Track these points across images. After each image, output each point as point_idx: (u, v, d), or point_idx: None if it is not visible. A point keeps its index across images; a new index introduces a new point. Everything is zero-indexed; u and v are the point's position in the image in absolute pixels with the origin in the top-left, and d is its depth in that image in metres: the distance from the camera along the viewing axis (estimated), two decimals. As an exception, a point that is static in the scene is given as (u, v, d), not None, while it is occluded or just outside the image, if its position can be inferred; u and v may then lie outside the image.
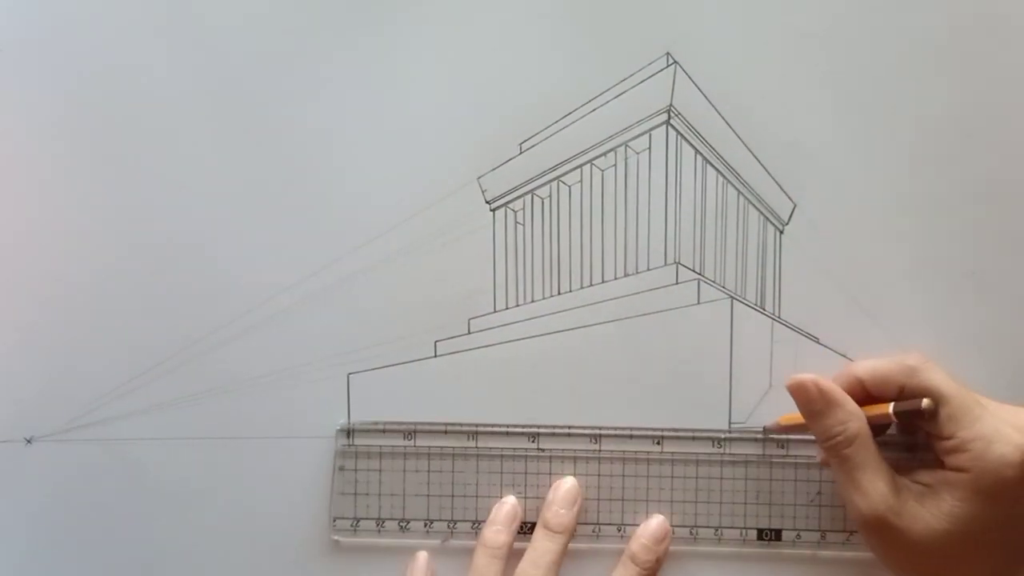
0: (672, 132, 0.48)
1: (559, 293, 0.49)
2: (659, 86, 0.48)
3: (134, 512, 0.49)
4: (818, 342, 0.48)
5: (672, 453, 0.48)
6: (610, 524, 0.48)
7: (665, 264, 0.48)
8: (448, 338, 0.49)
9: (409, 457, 0.49)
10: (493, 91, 0.48)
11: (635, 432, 0.48)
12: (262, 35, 0.48)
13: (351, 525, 0.49)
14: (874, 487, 0.42)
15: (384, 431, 0.48)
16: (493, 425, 0.48)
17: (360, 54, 0.48)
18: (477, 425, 0.48)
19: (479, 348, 0.49)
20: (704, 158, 0.48)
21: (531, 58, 0.48)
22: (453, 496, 0.49)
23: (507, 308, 0.49)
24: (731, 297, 0.48)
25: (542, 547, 0.47)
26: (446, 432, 0.48)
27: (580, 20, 0.48)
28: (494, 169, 0.48)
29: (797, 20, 0.47)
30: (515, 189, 0.49)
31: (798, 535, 0.48)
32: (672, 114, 0.48)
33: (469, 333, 0.49)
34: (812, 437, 0.45)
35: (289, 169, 0.49)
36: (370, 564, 0.49)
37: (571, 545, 0.47)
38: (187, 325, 0.49)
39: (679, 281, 0.48)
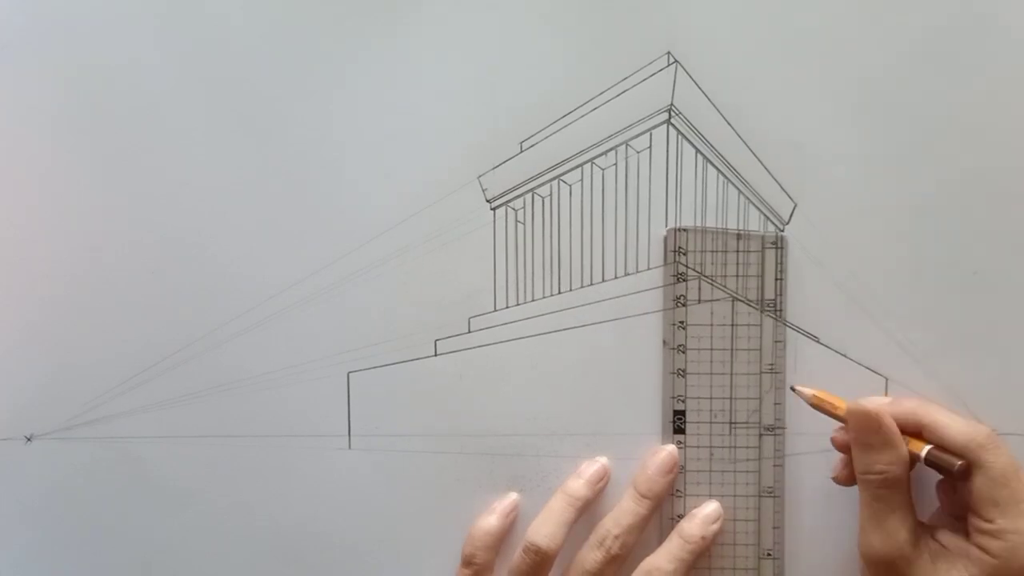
0: (673, 131, 0.48)
1: (559, 292, 0.49)
2: (660, 85, 0.48)
3: (134, 510, 0.50)
4: (818, 341, 0.48)
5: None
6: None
7: (665, 263, 0.48)
8: (448, 337, 0.49)
9: None
10: (494, 90, 0.48)
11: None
12: (263, 35, 0.48)
13: None
14: (897, 532, 0.43)
15: None
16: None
17: (360, 53, 0.48)
18: None
19: (479, 347, 0.49)
20: (704, 157, 0.48)
21: (532, 57, 0.48)
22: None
23: (507, 307, 0.49)
24: (731, 296, 0.48)
25: (627, 507, 0.47)
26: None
27: (581, 19, 0.47)
28: (495, 168, 0.48)
29: (798, 20, 0.47)
30: (515, 188, 0.49)
31: None
32: (673, 113, 0.48)
33: (469, 332, 0.49)
34: (829, 419, 0.45)
35: (289, 168, 0.48)
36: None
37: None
38: (187, 324, 0.49)
39: (679, 280, 0.48)
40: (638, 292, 0.48)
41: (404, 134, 0.48)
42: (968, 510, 0.43)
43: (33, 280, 0.49)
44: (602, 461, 0.48)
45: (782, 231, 0.48)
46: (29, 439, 0.49)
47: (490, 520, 0.48)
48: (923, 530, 0.44)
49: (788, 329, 0.48)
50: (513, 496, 0.49)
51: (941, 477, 0.45)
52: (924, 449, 0.43)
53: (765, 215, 0.48)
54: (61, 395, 0.49)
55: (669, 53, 0.47)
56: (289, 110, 0.48)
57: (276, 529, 0.49)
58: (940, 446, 0.43)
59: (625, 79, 0.48)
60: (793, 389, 0.47)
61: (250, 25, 0.48)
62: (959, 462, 0.42)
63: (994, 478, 0.42)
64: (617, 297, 0.49)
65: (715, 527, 0.48)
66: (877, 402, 0.44)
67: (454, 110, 0.48)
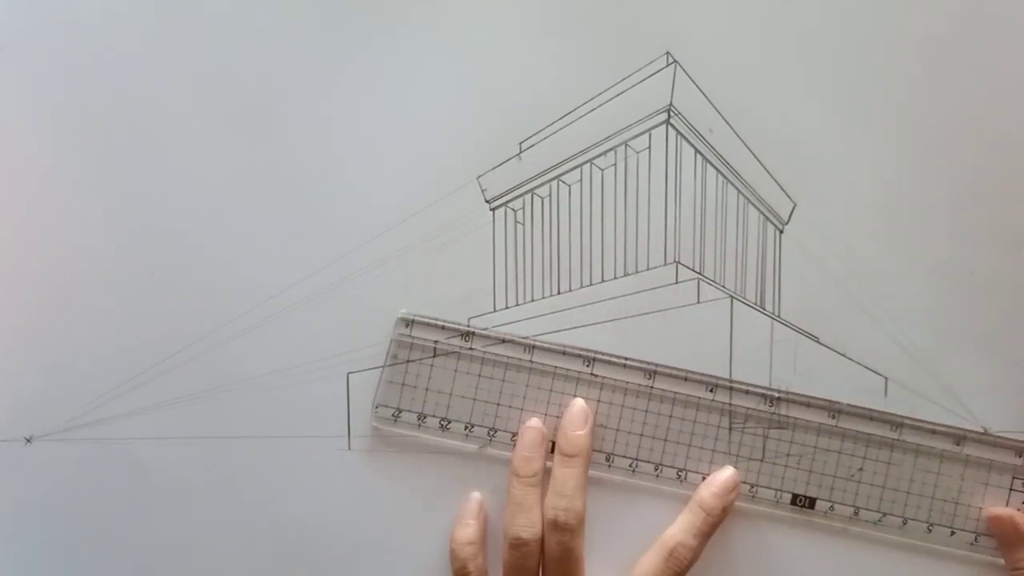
0: (672, 131, 0.48)
1: (559, 292, 0.49)
2: (659, 85, 0.48)
3: (134, 511, 0.49)
4: (818, 341, 0.48)
5: (723, 403, 0.48)
6: (648, 462, 0.48)
7: (665, 263, 0.48)
8: (448, 337, 0.49)
9: (463, 359, 0.48)
10: (493, 91, 0.48)
11: (690, 375, 0.48)
12: (262, 36, 0.48)
13: (392, 415, 0.49)
14: None
15: (444, 327, 0.48)
16: (551, 343, 0.48)
17: (360, 54, 0.48)
18: (536, 338, 0.48)
19: (469, 355, 0.49)
20: (704, 157, 0.48)
21: (531, 57, 0.48)
22: (499, 404, 0.48)
23: (507, 307, 0.49)
24: (731, 296, 0.48)
25: (561, 475, 0.47)
26: (503, 341, 0.48)
27: (580, 19, 0.47)
28: (494, 168, 0.48)
29: (797, 20, 0.47)
30: (515, 188, 0.49)
31: (832, 507, 0.48)
32: (672, 113, 0.48)
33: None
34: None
35: (289, 169, 0.49)
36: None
37: (613, 476, 0.48)
38: (187, 324, 0.49)
39: (679, 280, 0.48)
40: (638, 292, 0.48)
41: (403, 135, 0.48)
42: None
43: (33, 280, 0.49)
44: (535, 424, 0.48)
45: (782, 231, 0.48)
46: (29, 440, 0.49)
47: (468, 531, 0.48)
48: None
49: (788, 329, 0.48)
50: (476, 496, 0.49)
51: None
52: None
53: (764, 215, 0.48)
54: (61, 396, 0.49)
55: (668, 53, 0.47)
56: (289, 110, 0.48)
57: (276, 530, 0.49)
58: None
59: (624, 79, 0.48)
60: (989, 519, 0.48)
61: (249, 25, 0.48)
62: None
63: None
64: (616, 297, 0.49)
65: (733, 496, 0.48)
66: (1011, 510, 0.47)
67: (453, 111, 0.48)
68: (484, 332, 0.48)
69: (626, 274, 0.49)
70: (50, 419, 0.49)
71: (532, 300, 0.49)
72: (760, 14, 0.47)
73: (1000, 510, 0.47)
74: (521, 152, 0.48)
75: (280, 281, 0.49)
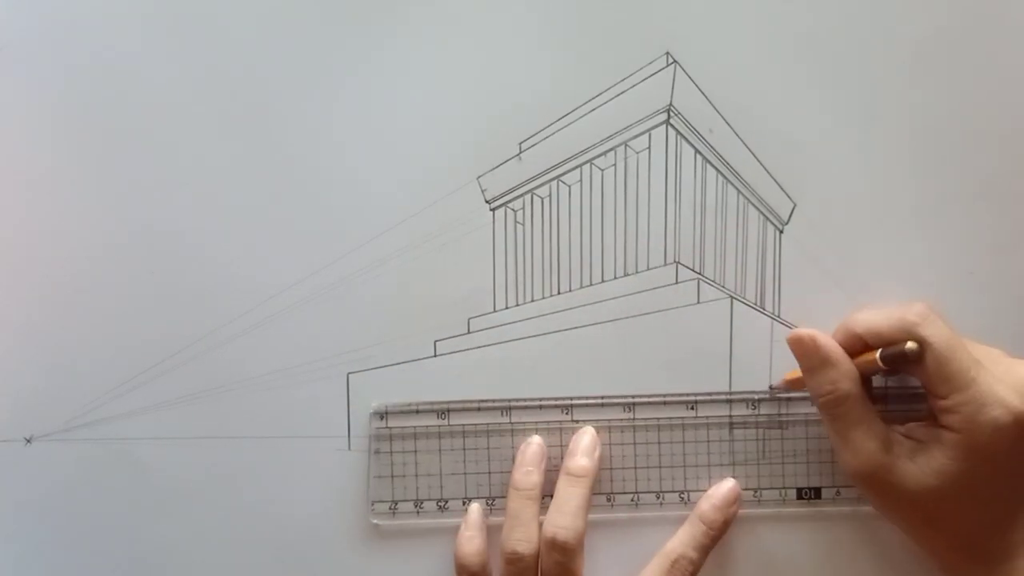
0: (672, 132, 0.48)
1: (559, 293, 0.49)
2: (659, 85, 0.48)
3: (134, 512, 0.49)
4: (817, 342, 0.48)
5: (707, 417, 0.48)
6: (648, 492, 0.48)
7: (665, 264, 0.48)
8: (448, 338, 0.49)
9: (444, 436, 0.49)
10: (493, 90, 0.48)
11: (668, 399, 0.48)
12: (262, 36, 0.48)
13: (389, 508, 0.49)
14: (864, 445, 0.43)
15: (418, 411, 0.49)
16: (526, 400, 0.48)
17: (360, 53, 0.48)
18: (510, 400, 0.48)
19: (479, 348, 0.49)
20: (704, 158, 0.48)
21: (531, 57, 0.48)
22: (490, 473, 0.49)
23: (507, 308, 0.49)
24: (731, 296, 0.48)
25: (565, 493, 0.47)
26: (479, 409, 0.48)
27: (580, 19, 0.47)
28: (494, 169, 0.48)
29: (797, 20, 0.47)
30: (515, 189, 0.49)
31: (837, 492, 0.48)
32: (672, 114, 0.48)
33: (469, 333, 0.49)
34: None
35: (289, 169, 0.49)
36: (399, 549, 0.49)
37: (617, 514, 0.48)
38: (187, 324, 0.49)
39: (679, 281, 0.48)
40: (638, 292, 0.48)
41: (402, 135, 0.48)
42: (928, 395, 0.43)
43: (32, 280, 0.49)
44: (536, 440, 0.48)
45: (781, 231, 0.48)
46: (29, 440, 0.49)
47: (475, 543, 0.48)
48: (895, 434, 0.44)
49: (788, 329, 0.48)
50: (476, 507, 0.48)
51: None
52: (877, 353, 0.43)
53: (764, 215, 0.48)
54: (61, 396, 0.49)
55: (668, 53, 0.47)
56: (289, 111, 0.48)
57: (276, 530, 0.49)
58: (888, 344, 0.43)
59: (624, 79, 0.48)
60: (771, 388, 0.48)
61: (249, 26, 0.48)
62: (908, 343, 0.42)
63: (938, 354, 0.42)
64: (616, 298, 0.49)
65: (734, 509, 0.48)
66: (810, 329, 0.44)
67: (453, 111, 0.48)
68: (458, 405, 0.48)
69: (626, 274, 0.49)
70: (50, 419, 0.49)
71: (532, 300, 0.49)
72: (760, 14, 0.47)
73: (798, 331, 0.44)
74: (521, 152, 0.48)
75: (280, 281, 0.49)
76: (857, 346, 0.44)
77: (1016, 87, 0.47)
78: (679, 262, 0.48)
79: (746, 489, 0.48)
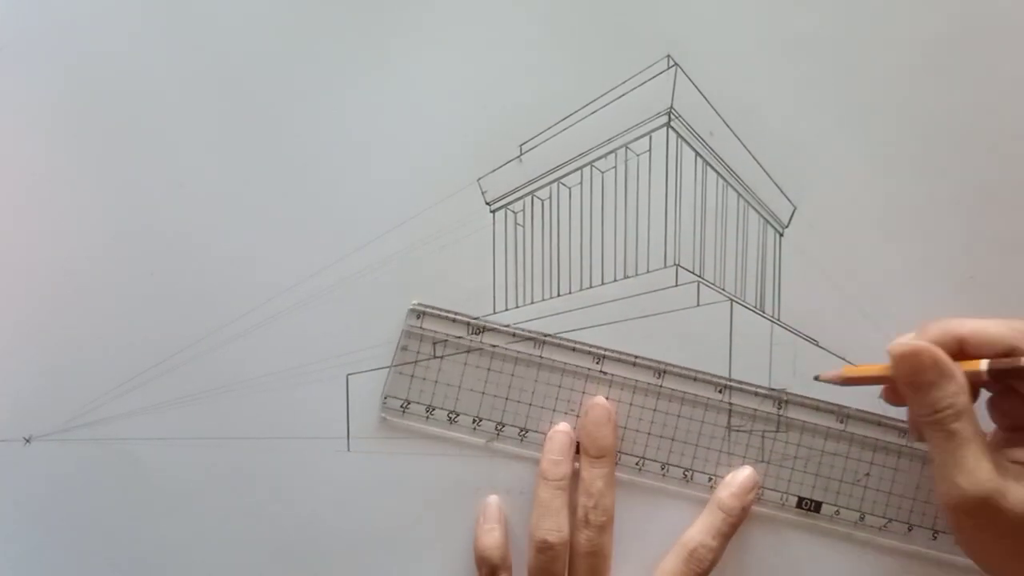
0: (672, 134, 0.48)
1: (559, 295, 0.49)
2: (660, 88, 0.48)
3: (134, 512, 0.50)
4: (817, 344, 0.48)
5: (731, 404, 0.48)
6: (655, 461, 0.48)
7: (665, 266, 0.48)
8: (447, 338, 0.49)
9: (472, 352, 0.49)
10: (493, 92, 0.48)
11: (699, 376, 0.48)
12: (262, 37, 0.48)
13: (401, 406, 0.49)
14: (980, 465, 0.38)
15: (454, 320, 0.48)
16: (562, 338, 0.48)
17: (361, 54, 0.48)
18: (546, 335, 0.48)
19: (479, 349, 0.49)
20: (704, 160, 0.48)
21: (532, 59, 0.48)
22: (507, 399, 0.49)
23: (507, 309, 0.49)
24: (731, 299, 0.48)
25: (589, 476, 0.47)
26: (514, 335, 0.48)
27: (581, 22, 0.47)
28: (494, 170, 0.48)
29: (797, 23, 0.47)
30: (515, 191, 0.49)
31: (837, 511, 0.48)
32: (673, 116, 0.48)
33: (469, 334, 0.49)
34: (868, 388, 0.44)
35: (290, 170, 0.48)
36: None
37: (628, 478, 0.48)
38: (187, 325, 0.49)
39: (679, 283, 0.48)
40: (638, 295, 0.48)
41: (403, 136, 0.48)
42: None
43: (33, 280, 0.49)
44: (564, 429, 0.48)
45: (782, 234, 0.48)
46: (28, 440, 0.49)
47: (494, 536, 0.48)
48: (998, 456, 0.39)
49: (788, 332, 0.48)
50: (494, 499, 0.49)
51: (989, 395, 0.43)
52: (983, 364, 0.39)
53: (765, 218, 0.48)
54: (60, 396, 0.49)
55: (669, 56, 0.47)
56: (289, 112, 0.48)
57: (275, 531, 0.49)
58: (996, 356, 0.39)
59: (625, 82, 0.48)
60: (818, 378, 0.46)
61: (249, 26, 0.48)
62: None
63: None
64: (617, 300, 0.49)
65: (752, 496, 0.48)
66: (910, 338, 0.41)
67: (454, 112, 0.48)
68: (495, 327, 0.48)
69: (626, 276, 0.49)
70: (50, 419, 0.49)
71: (532, 302, 0.49)
72: (761, 17, 0.47)
73: (915, 345, 0.39)
74: (522, 154, 0.48)
75: (280, 282, 0.49)
76: (953, 354, 0.40)
77: (1018, 90, 0.47)
78: (679, 264, 0.48)
79: None
